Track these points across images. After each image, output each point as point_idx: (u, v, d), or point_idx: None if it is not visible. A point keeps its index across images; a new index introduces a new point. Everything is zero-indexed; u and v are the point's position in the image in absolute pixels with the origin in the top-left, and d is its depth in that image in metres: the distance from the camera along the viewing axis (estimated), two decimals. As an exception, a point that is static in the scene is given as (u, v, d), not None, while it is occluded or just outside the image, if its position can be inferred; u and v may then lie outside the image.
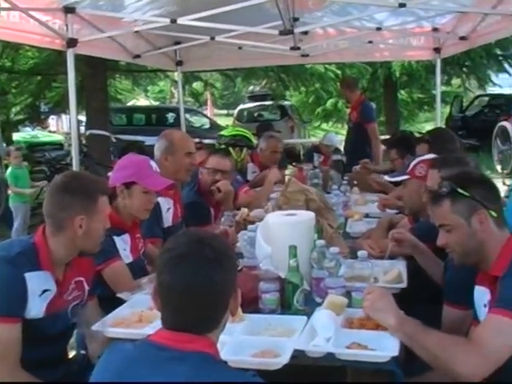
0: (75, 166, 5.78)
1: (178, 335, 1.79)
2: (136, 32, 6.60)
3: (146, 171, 3.59)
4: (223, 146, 6.07)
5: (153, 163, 3.70)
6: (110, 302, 3.13)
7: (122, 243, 3.50)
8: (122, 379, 1.74)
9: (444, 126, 7.16)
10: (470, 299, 2.67)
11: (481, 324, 2.42)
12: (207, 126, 20.10)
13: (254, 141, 6.42)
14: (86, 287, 3.00)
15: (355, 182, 6.22)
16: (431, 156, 3.98)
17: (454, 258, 2.66)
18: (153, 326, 2.46)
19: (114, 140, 13.61)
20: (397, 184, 4.80)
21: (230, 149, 6.10)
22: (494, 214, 2.53)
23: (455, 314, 2.88)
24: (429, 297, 3.34)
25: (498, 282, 2.44)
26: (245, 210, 4.50)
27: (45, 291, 2.70)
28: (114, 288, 3.26)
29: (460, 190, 2.53)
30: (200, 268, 1.79)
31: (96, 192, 2.80)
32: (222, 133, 6.51)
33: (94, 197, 2.78)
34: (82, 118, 14.59)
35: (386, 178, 4.38)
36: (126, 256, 3.49)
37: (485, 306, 2.54)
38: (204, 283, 1.78)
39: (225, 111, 41.36)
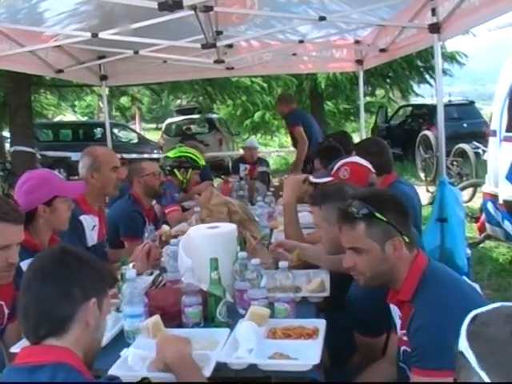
0: (-3, 183, 5.65)
1: (34, 349, 1.86)
2: (58, 46, 6.50)
3: (59, 182, 3.58)
4: (168, 168, 6.06)
5: (58, 173, 3.64)
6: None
7: None
8: None
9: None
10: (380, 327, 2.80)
11: None
12: (135, 140, 20.01)
13: (201, 160, 6.43)
14: (6, 311, 2.94)
15: (281, 193, 6.24)
16: (355, 158, 4.05)
17: (359, 280, 2.59)
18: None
19: (39, 156, 13.35)
20: None
21: (175, 170, 6.11)
22: (407, 239, 2.48)
23: (368, 342, 3.02)
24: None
25: (405, 307, 2.47)
26: (166, 228, 4.51)
27: None
28: None
29: (377, 215, 2.45)
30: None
31: None
32: (168, 154, 6.49)
33: None
34: (7, 134, 14.27)
35: (311, 178, 4.42)
36: None
37: (399, 317, 2.56)
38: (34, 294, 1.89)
39: (153, 125, 41.21)
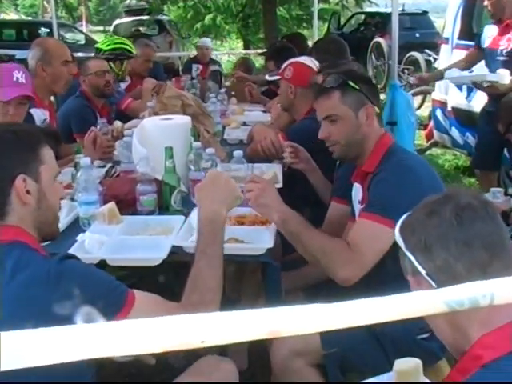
0: None
1: None
2: None
3: (2, 81, 3.34)
4: None
5: (17, 73, 3.39)
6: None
7: None
8: None
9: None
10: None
11: (355, 229, 2.43)
12: (82, 42, 19.47)
13: (134, 49, 6.20)
14: None
15: (233, 93, 6.23)
16: (303, 58, 4.08)
17: (334, 151, 2.67)
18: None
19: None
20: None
21: (111, 63, 5.93)
22: (377, 110, 2.63)
23: (339, 209, 2.98)
24: (303, 202, 3.47)
25: (368, 179, 2.55)
26: (119, 124, 4.45)
27: None
28: None
29: (351, 83, 2.58)
30: None
31: None
32: (100, 46, 6.12)
33: None
34: None
35: (267, 76, 4.50)
36: None
37: (359, 202, 2.63)
38: None
39: (101, 27, 40.11)
